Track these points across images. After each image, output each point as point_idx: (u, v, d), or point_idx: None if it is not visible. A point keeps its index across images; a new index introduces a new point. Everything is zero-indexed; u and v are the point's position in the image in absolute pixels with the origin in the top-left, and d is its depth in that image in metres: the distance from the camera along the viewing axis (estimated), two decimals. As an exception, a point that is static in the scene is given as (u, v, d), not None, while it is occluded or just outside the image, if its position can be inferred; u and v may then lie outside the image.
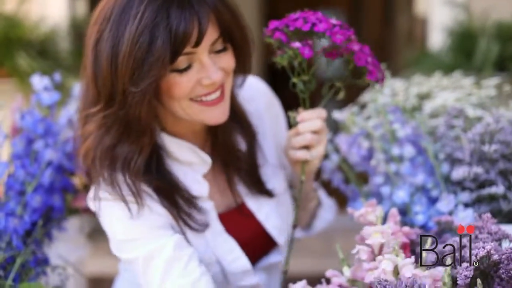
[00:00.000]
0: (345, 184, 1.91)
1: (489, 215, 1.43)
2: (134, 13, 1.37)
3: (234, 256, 1.60)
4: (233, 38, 1.47)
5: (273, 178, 1.68)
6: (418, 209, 1.66)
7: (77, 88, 1.96)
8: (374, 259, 1.37)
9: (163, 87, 1.43)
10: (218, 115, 1.49)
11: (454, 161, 1.72)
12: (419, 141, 1.75)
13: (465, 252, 1.33)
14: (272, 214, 1.66)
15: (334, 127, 1.96)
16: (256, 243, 1.65)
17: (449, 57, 3.07)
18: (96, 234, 1.96)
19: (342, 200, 1.88)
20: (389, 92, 1.92)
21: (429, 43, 3.64)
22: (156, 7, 1.36)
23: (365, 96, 1.98)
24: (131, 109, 1.40)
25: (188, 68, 1.43)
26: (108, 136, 1.45)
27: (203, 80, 1.44)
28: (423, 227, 1.65)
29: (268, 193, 1.65)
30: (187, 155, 1.56)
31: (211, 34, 1.42)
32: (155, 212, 1.51)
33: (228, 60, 1.48)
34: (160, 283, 1.47)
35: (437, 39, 3.45)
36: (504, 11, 3.09)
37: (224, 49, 1.47)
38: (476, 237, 1.40)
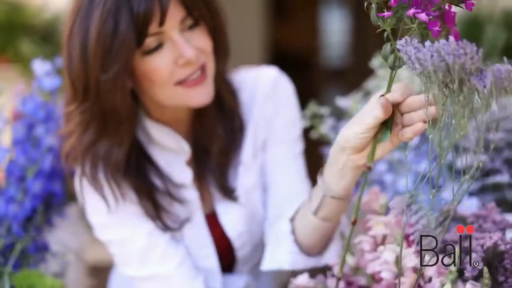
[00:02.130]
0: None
1: (493, 204, 1.41)
2: (98, 2, 1.37)
3: (206, 252, 1.58)
4: (203, 14, 1.45)
5: (245, 171, 1.62)
6: (422, 198, 1.63)
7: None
8: (376, 250, 1.35)
9: (139, 72, 1.42)
10: (201, 96, 1.46)
11: (459, 149, 1.70)
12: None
13: (474, 243, 1.31)
14: (239, 224, 1.61)
15: (338, 113, 1.94)
16: (223, 253, 1.62)
17: (455, 45, 3.04)
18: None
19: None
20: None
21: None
22: None
23: (369, 83, 1.96)
24: (106, 99, 1.40)
25: (159, 47, 1.41)
26: (87, 133, 1.45)
27: (178, 60, 1.42)
28: (427, 215, 1.63)
29: (232, 197, 1.60)
30: (169, 141, 1.55)
31: (177, 11, 1.40)
32: (134, 203, 1.51)
33: (202, 37, 1.45)
34: (138, 267, 1.50)
35: (444, 27, 3.41)
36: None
37: (196, 25, 1.44)
38: (480, 226, 1.38)
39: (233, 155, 1.60)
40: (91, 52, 1.38)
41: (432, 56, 1.09)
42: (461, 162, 1.64)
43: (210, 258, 1.59)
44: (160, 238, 1.51)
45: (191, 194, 1.57)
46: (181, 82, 1.44)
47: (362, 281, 1.37)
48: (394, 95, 1.20)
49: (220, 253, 1.62)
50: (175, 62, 1.42)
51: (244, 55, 2.83)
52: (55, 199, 1.81)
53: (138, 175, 1.50)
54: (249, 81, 1.64)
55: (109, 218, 1.52)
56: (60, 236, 1.85)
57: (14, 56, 3.28)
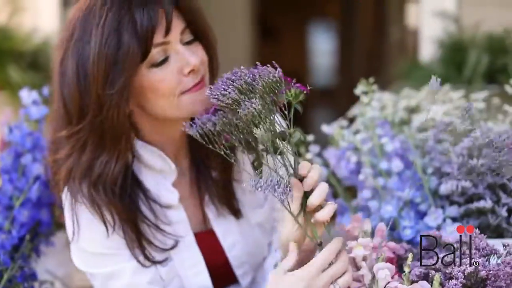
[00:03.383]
0: (334, 198, 1.91)
1: (477, 230, 1.43)
2: (97, 22, 1.40)
3: (197, 270, 1.58)
4: (198, 29, 1.48)
5: (247, 199, 1.65)
6: (406, 223, 1.65)
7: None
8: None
9: (145, 85, 1.44)
10: (205, 100, 1.44)
11: (442, 175, 1.72)
12: (407, 155, 1.75)
13: (452, 269, 1.33)
14: (238, 244, 1.63)
15: (323, 141, 1.97)
16: (217, 273, 1.62)
17: (439, 69, 3.07)
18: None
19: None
20: (378, 105, 1.91)
21: (420, 54, 3.65)
22: (117, 8, 1.39)
23: (354, 110, 1.98)
24: (109, 113, 1.41)
25: (165, 60, 1.44)
26: (85, 153, 1.46)
27: (183, 68, 1.44)
28: (411, 241, 1.64)
29: (236, 214, 1.62)
30: (157, 161, 1.55)
31: (178, 23, 1.44)
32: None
33: (200, 51, 1.48)
34: None
35: (428, 50, 3.45)
36: (494, 23, 3.09)
37: (193, 40, 1.48)
38: (464, 253, 1.39)
39: (230, 173, 1.62)
40: (91, 69, 1.39)
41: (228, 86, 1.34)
42: (444, 188, 1.67)
43: (202, 274, 1.59)
44: (143, 277, 1.51)
45: (179, 214, 1.57)
46: (186, 92, 1.46)
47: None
48: (300, 171, 1.36)
49: (215, 273, 1.62)
50: (181, 72, 1.45)
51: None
52: (43, 228, 1.81)
53: (127, 197, 1.51)
54: None
55: (102, 247, 1.50)
56: (48, 265, 1.85)
57: (3, 82, 3.27)
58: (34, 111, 1.86)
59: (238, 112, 1.30)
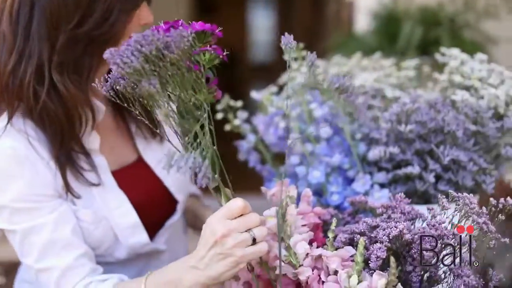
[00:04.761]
0: (262, 164, 1.88)
1: (402, 195, 1.42)
2: None
3: (123, 210, 1.57)
4: None
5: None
6: (334, 189, 1.64)
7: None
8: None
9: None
10: None
11: (371, 142, 1.71)
12: (336, 122, 1.73)
13: (378, 233, 1.31)
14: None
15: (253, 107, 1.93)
16: (155, 202, 1.64)
17: (374, 40, 3.07)
18: None
19: (258, 181, 1.85)
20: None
21: (355, 26, 3.64)
22: None
23: (284, 76, 1.95)
24: (111, 28, 1.43)
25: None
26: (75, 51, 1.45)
27: (141, 19, 1.48)
28: (339, 207, 1.62)
29: (160, 136, 1.65)
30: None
31: None
32: (43, 175, 1.47)
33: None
34: (36, 260, 1.47)
35: (363, 22, 3.45)
36: (428, -4, 3.11)
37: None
38: (389, 217, 1.38)
39: None
40: None
41: (132, 52, 1.16)
42: (372, 154, 1.65)
43: (129, 214, 1.58)
44: (66, 227, 1.48)
45: (99, 159, 1.56)
46: None
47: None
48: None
49: (152, 203, 1.63)
50: (138, 21, 1.48)
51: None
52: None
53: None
54: None
55: (24, 200, 1.45)
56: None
57: None
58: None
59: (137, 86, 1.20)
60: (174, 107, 1.23)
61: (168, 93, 1.21)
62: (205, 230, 1.28)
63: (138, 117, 1.25)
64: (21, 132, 1.45)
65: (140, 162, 1.65)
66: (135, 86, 1.19)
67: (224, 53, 1.24)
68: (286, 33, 1.27)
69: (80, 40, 1.43)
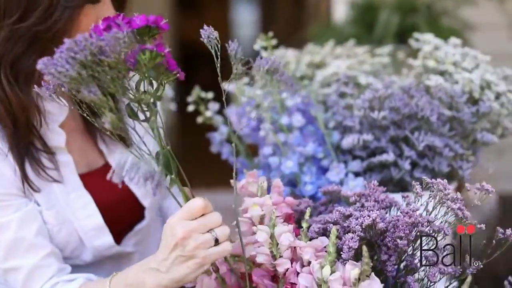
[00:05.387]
0: (236, 157, 1.84)
1: (375, 182, 1.38)
2: None
3: (88, 212, 1.53)
4: None
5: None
6: (307, 179, 1.60)
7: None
8: (254, 233, 1.30)
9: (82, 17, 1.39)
10: None
11: (345, 130, 1.68)
12: (310, 110, 1.69)
13: (350, 222, 1.28)
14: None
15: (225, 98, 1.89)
16: (122, 207, 1.59)
17: (351, 30, 3.04)
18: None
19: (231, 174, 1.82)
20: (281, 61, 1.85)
21: (334, 17, 3.61)
22: None
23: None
24: (54, 24, 1.36)
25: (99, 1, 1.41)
26: (16, 46, 1.39)
27: (101, 15, 1.37)
28: (313, 197, 1.59)
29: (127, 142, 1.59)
30: (48, 103, 1.47)
31: None
32: (4, 174, 1.43)
33: (111, 9, 1.45)
34: (2, 260, 1.43)
35: (341, 12, 3.42)
36: (404, -17, 3.08)
37: None
38: (363, 205, 1.34)
39: None
40: None
41: (67, 60, 1.11)
42: (346, 142, 1.62)
43: (94, 216, 1.54)
44: (31, 227, 1.45)
45: (64, 157, 1.52)
46: None
47: (243, 268, 1.32)
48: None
49: (118, 209, 1.59)
50: (98, 19, 1.39)
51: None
52: None
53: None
54: None
55: None
56: None
57: None
58: None
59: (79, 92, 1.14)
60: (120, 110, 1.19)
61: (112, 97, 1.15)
62: (165, 232, 1.24)
63: (90, 120, 1.21)
64: None
65: (107, 167, 1.59)
66: (78, 92, 1.14)
67: (167, 50, 1.16)
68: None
69: (22, 36, 1.38)
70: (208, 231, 1.22)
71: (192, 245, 1.21)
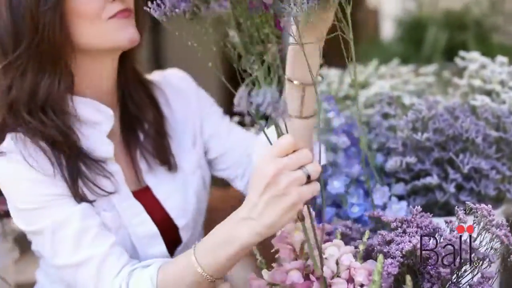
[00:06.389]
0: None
1: (419, 208, 1.34)
2: None
3: (140, 219, 1.51)
4: None
5: (182, 154, 1.62)
6: (354, 200, 1.56)
7: None
8: (295, 259, 1.27)
9: (73, 8, 1.40)
10: (130, 32, 1.44)
11: (388, 152, 1.64)
12: (353, 131, 1.66)
13: (391, 248, 1.25)
14: (173, 193, 1.58)
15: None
16: (160, 228, 1.55)
17: (398, 47, 3.00)
18: (23, 239, 1.85)
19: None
20: (325, 81, 1.84)
21: (381, 34, 3.58)
22: None
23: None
24: (44, 33, 1.38)
25: None
26: (26, 80, 1.41)
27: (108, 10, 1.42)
28: (359, 219, 1.56)
29: (170, 166, 1.59)
30: (88, 113, 1.49)
31: None
32: (58, 178, 1.43)
33: None
34: (72, 253, 1.39)
35: (388, 29, 3.38)
36: (453, 0, 3.03)
37: None
38: (404, 231, 1.31)
39: (164, 126, 1.62)
40: None
41: None
42: (389, 164, 1.59)
43: (147, 223, 1.53)
44: (93, 220, 1.43)
45: (114, 167, 1.51)
46: (111, 17, 1.43)
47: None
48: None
49: (162, 229, 1.55)
50: None
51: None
52: (-25, 218, 1.72)
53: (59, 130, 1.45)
54: (161, 79, 1.69)
55: (45, 197, 1.41)
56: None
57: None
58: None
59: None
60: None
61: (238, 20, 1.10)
62: (254, 176, 1.17)
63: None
64: (15, 153, 1.42)
65: (142, 190, 1.58)
66: (198, 10, 1.09)
67: None
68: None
69: (27, 63, 1.41)
70: (299, 168, 1.15)
71: (284, 182, 1.13)
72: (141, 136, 1.59)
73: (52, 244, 1.41)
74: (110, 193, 1.48)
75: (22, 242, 1.91)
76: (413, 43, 3.01)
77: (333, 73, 1.90)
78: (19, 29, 1.40)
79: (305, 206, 1.20)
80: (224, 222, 1.25)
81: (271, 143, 1.19)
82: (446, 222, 1.31)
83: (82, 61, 1.47)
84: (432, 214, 1.37)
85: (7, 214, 1.81)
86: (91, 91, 1.51)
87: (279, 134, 1.18)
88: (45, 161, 1.43)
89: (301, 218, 1.22)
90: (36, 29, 1.38)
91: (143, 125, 1.60)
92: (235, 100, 1.08)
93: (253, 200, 1.17)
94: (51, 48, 1.40)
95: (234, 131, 1.72)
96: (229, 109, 1.70)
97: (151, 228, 1.53)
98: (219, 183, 1.81)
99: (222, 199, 1.89)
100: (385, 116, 1.70)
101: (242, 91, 1.08)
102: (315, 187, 1.16)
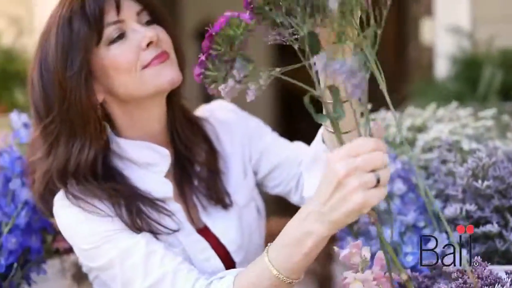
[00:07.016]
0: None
1: (479, 258, 1.33)
2: (53, 20, 1.46)
3: (207, 255, 1.54)
4: (156, 11, 1.51)
5: (235, 188, 1.64)
6: (409, 250, 1.56)
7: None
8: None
9: (106, 63, 1.46)
10: (169, 74, 1.47)
11: (447, 198, 1.63)
12: (410, 177, 1.66)
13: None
14: (230, 229, 1.60)
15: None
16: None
17: (454, 86, 2.98)
18: (81, 276, 1.88)
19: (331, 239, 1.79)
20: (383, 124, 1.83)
21: (435, 72, 3.56)
22: (70, 1, 1.44)
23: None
24: (71, 96, 1.43)
25: (122, 36, 1.46)
26: (59, 146, 1.47)
27: (141, 42, 1.45)
28: (414, 268, 1.55)
29: (225, 204, 1.60)
30: (143, 155, 1.53)
31: (132, 4, 1.48)
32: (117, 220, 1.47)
33: (157, 28, 1.50)
34: (144, 277, 1.41)
35: (443, 67, 3.36)
36: (508, 38, 3.00)
37: (152, 22, 1.50)
38: (465, 282, 1.30)
39: (216, 163, 1.63)
40: (50, 61, 1.43)
41: None
42: (448, 211, 1.58)
43: (212, 258, 1.55)
44: (158, 244, 1.45)
45: (174, 206, 1.54)
46: (147, 65, 1.46)
47: None
48: None
49: (225, 264, 1.58)
50: (139, 46, 1.46)
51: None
52: (33, 255, 1.74)
53: (114, 183, 1.50)
54: (208, 114, 1.71)
55: (106, 232, 1.45)
56: (41, 293, 1.79)
57: (10, 105, 3.24)
58: (24, 134, 1.80)
59: None
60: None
61: None
62: (326, 172, 1.14)
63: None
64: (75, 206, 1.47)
65: (200, 230, 1.59)
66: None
67: None
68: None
69: (60, 127, 1.47)
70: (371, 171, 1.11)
71: (353, 184, 1.11)
72: (194, 178, 1.61)
73: (123, 273, 1.43)
74: (175, 230, 1.50)
75: (81, 279, 1.94)
76: (468, 81, 2.99)
77: (390, 116, 1.90)
78: (49, 95, 1.46)
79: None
80: (291, 223, 1.24)
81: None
82: (506, 272, 1.29)
83: (126, 108, 1.51)
84: (491, 262, 1.36)
85: (66, 251, 1.86)
86: (142, 134, 1.54)
87: (335, 125, 1.15)
88: (102, 205, 1.46)
89: (373, 220, 1.21)
90: (64, 95, 1.44)
91: (194, 167, 1.61)
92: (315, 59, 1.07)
93: (325, 195, 1.15)
94: (79, 112, 1.45)
95: (281, 145, 1.72)
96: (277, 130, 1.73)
97: (218, 264, 1.54)
98: (276, 212, 1.82)
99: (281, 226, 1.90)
100: (444, 161, 1.69)
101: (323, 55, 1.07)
102: (383, 192, 1.13)
